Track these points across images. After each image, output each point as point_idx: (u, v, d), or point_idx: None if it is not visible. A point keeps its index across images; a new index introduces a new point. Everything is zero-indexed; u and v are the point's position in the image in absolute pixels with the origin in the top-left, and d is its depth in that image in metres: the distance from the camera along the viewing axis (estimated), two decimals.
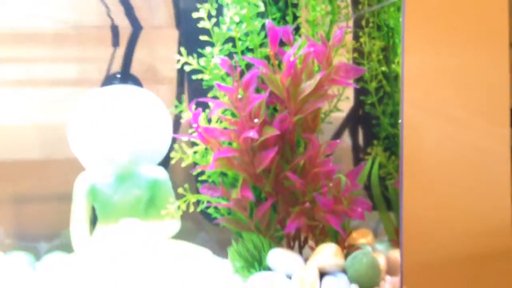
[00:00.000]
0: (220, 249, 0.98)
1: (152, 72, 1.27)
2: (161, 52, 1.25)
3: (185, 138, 0.88)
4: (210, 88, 0.92)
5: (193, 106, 0.86)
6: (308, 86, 0.84)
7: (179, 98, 1.01)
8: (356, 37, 0.98)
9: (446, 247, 0.96)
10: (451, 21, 0.82)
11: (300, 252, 0.92)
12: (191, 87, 1.03)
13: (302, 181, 0.86)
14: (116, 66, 1.11)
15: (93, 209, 0.97)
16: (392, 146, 0.98)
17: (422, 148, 0.83)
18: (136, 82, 1.04)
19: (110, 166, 0.95)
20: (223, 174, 0.92)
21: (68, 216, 0.96)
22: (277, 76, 0.84)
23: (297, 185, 0.86)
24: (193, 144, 0.91)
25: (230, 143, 0.89)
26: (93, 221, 0.98)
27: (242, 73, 0.86)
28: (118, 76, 1.03)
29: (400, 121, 0.97)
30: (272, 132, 0.83)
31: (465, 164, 1.00)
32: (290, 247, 0.91)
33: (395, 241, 0.94)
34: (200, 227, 1.05)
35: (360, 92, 1.02)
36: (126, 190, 0.95)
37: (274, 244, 0.90)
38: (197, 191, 0.91)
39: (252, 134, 0.81)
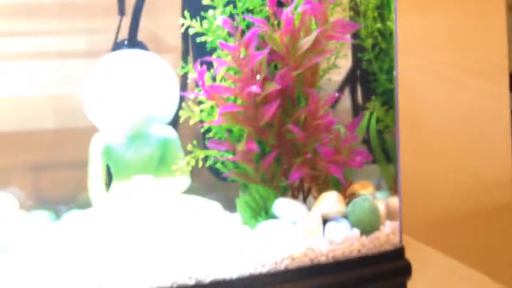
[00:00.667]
0: (229, 205, 1.03)
1: (157, 41, 1.32)
2: (165, 21, 1.30)
3: (191, 96, 0.93)
4: (214, 51, 0.97)
5: (198, 66, 0.91)
6: (306, 42, 0.88)
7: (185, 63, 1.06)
8: None
9: (442, 198, 1.02)
10: None
11: (304, 202, 0.97)
12: (196, 54, 1.07)
13: (304, 133, 0.91)
14: (124, 36, 1.17)
15: (109, 168, 1.03)
16: (389, 101, 1.03)
17: (418, 106, 0.88)
18: (143, 47, 1.09)
19: (123, 126, 1.01)
20: (229, 131, 0.98)
21: (85, 181, 1.02)
22: (276, 34, 0.89)
23: (299, 137, 0.91)
24: (200, 103, 0.97)
25: (234, 100, 0.94)
26: (109, 178, 1.04)
27: (243, 33, 0.90)
28: (126, 42, 1.08)
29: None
30: (273, 87, 0.88)
31: (462, 122, 1.05)
32: (295, 197, 0.97)
33: (394, 189, 1.00)
34: (209, 185, 1.11)
35: (358, 51, 1.06)
36: (138, 149, 1.01)
37: (279, 195, 0.95)
38: (206, 148, 0.97)
39: (254, 88, 0.86)
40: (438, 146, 0.91)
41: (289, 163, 0.94)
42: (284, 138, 0.93)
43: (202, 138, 1.07)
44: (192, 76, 0.94)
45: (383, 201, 0.96)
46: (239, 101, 0.93)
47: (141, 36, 1.22)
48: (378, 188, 1.04)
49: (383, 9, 1.01)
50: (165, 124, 1.04)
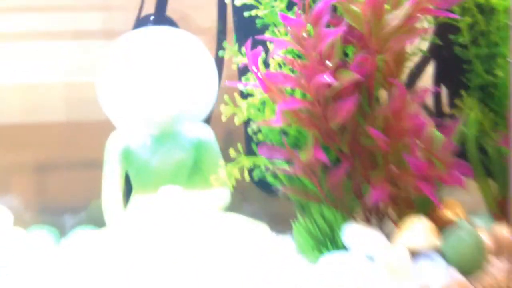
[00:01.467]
0: (276, 224, 0.82)
1: (186, 22, 1.10)
2: None
3: (240, 87, 0.71)
4: (262, 30, 0.75)
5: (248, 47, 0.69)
6: (394, 17, 0.66)
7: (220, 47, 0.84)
8: None
9: None
10: None
11: (379, 228, 0.75)
12: (238, 31, 0.85)
13: (386, 139, 0.69)
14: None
15: (128, 176, 0.82)
16: (487, 98, 0.80)
17: None
18: (173, 25, 0.87)
19: (148, 125, 0.79)
20: (284, 133, 0.76)
21: (98, 185, 0.81)
22: (356, 6, 0.66)
23: (379, 144, 0.69)
24: (245, 96, 0.75)
25: (292, 93, 0.72)
26: (128, 189, 0.83)
27: (309, 6, 0.68)
28: (152, 18, 0.87)
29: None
30: (351, 77, 0.66)
31: None
32: (367, 221, 0.75)
33: (497, 214, 0.77)
34: (249, 197, 0.89)
35: (442, 30, 0.83)
36: (167, 153, 0.79)
37: (348, 218, 0.74)
38: (251, 155, 0.75)
39: (328, 78, 0.64)
40: None
41: (364, 177, 0.72)
42: (359, 145, 0.71)
43: (246, 140, 0.85)
44: (237, 60, 0.73)
45: (485, 231, 0.73)
46: (298, 94, 0.71)
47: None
48: (469, 209, 0.82)
49: None
50: (199, 121, 0.83)
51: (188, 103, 0.79)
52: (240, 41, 0.75)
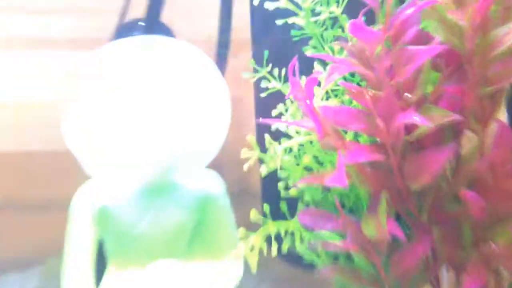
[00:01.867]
0: None
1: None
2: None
3: (280, 126, 0.49)
4: (301, 44, 0.54)
5: (299, 75, 0.47)
6: (508, 34, 0.46)
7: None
8: None
9: None
10: None
11: None
12: (259, 43, 0.64)
13: (483, 204, 0.48)
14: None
15: (101, 245, 0.58)
16: None
17: None
18: (168, 33, 0.64)
19: (134, 173, 0.56)
20: (326, 190, 0.54)
21: (58, 234, 0.58)
22: (455, 14, 0.45)
23: (473, 211, 0.48)
24: (275, 137, 0.53)
25: (356, 137, 0.50)
26: (99, 261, 0.59)
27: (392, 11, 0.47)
28: (141, 24, 0.64)
29: None
30: (445, 116, 0.45)
31: None
32: None
33: None
34: (275, 274, 0.67)
35: None
36: (160, 214, 0.56)
37: None
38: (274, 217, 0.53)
39: (418, 119, 0.43)
40: None
41: (447, 258, 0.51)
42: (441, 213, 0.50)
43: (263, 194, 0.63)
44: (272, 85, 0.51)
45: None
46: (363, 139, 0.50)
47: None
48: None
49: None
50: (204, 165, 0.60)
51: (191, 143, 0.57)
52: (259, 59, 0.54)
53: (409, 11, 0.44)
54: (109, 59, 0.56)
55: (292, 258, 0.59)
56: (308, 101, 0.43)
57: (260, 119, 0.47)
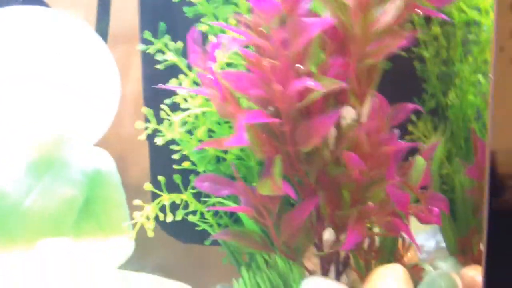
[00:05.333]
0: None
1: None
2: None
3: (182, 92, 0.50)
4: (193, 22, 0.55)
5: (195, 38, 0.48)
6: (384, 13, 0.51)
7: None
8: None
9: None
10: None
11: (338, 279, 0.59)
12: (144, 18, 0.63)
13: (364, 167, 0.53)
14: None
15: None
16: (441, 123, 0.69)
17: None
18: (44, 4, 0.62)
19: (17, 149, 0.53)
20: (218, 160, 0.56)
21: None
22: None
23: (353, 174, 0.53)
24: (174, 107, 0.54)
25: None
26: None
27: None
28: None
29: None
30: (333, 84, 0.49)
31: None
32: (325, 271, 0.58)
33: (460, 256, 0.66)
34: (161, 244, 0.66)
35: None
36: (47, 189, 0.54)
37: (301, 269, 0.56)
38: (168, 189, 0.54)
39: (313, 84, 0.47)
40: None
41: (330, 217, 0.55)
42: (325, 176, 0.55)
43: (152, 168, 0.64)
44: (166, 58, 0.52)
45: (456, 275, 0.62)
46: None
47: None
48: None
49: None
50: (93, 143, 0.59)
51: (75, 117, 0.55)
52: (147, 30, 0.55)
53: None
54: None
55: (182, 234, 0.60)
56: (208, 65, 0.45)
57: (161, 86, 0.47)
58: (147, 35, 0.53)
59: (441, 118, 0.69)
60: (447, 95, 0.69)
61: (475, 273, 0.62)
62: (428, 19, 0.66)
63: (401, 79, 0.72)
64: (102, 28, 0.69)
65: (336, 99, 0.55)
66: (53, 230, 0.53)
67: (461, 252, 0.66)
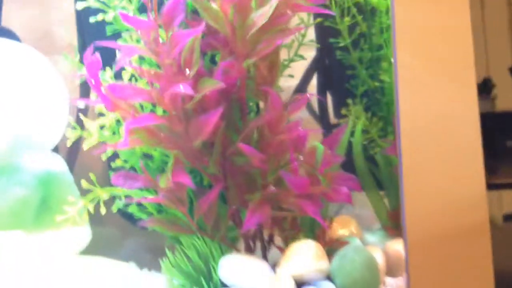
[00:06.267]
0: (156, 260, 0.71)
1: (49, 38, 0.98)
2: (59, 11, 0.96)
3: (81, 105, 0.59)
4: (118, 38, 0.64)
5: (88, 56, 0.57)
6: (261, 15, 0.57)
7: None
8: None
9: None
10: None
11: (265, 256, 0.65)
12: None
13: (262, 156, 0.59)
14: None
15: None
16: (374, 105, 0.74)
17: (420, 116, 0.59)
18: (11, 36, 0.73)
19: None
20: (147, 156, 0.65)
21: None
22: (215, 2, 0.57)
23: (254, 162, 0.59)
24: (100, 115, 0.63)
25: (153, 109, 0.61)
26: None
27: (161, 5, 0.58)
28: None
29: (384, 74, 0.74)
30: (213, 85, 0.56)
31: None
32: (250, 250, 0.65)
33: (391, 229, 0.70)
34: (126, 233, 0.77)
35: (322, 33, 0.76)
36: (2, 190, 0.65)
37: (227, 249, 0.63)
38: (111, 185, 0.63)
39: (183, 88, 0.54)
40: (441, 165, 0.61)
41: (240, 201, 0.62)
42: (232, 165, 0.61)
43: (107, 168, 0.73)
44: (84, 71, 0.61)
45: (379, 249, 0.66)
46: (159, 111, 0.61)
47: (29, 34, 0.88)
48: (363, 226, 0.74)
49: None
50: (47, 149, 0.69)
51: (26, 128, 0.66)
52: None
53: (172, 2, 0.55)
54: None
55: (130, 216, 0.69)
56: (93, 81, 0.53)
57: (72, 101, 0.57)
58: (65, 55, 0.62)
59: (373, 101, 0.73)
60: (375, 79, 0.72)
61: (400, 246, 0.66)
62: (343, 9, 0.70)
63: (331, 69, 0.77)
64: (81, 43, 0.80)
65: (236, 96, 0.61)
66: (11, 225, 0.64)
67: (393, 226, 0.70)
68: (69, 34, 0.91)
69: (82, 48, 0.81)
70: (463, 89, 0.62)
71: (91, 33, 0.69)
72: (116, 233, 0.81)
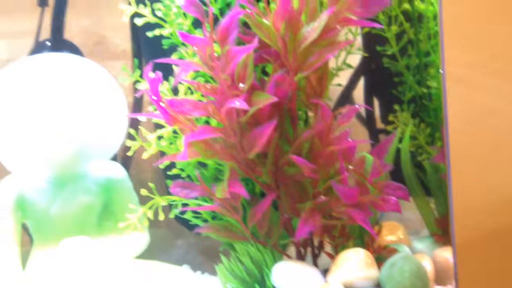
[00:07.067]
0: (208, 262, 0.74)
1: (104, 44, 1.02)
2: (113, 18, 1.00)
3: (143, 119, 0.62)
4: (174, 51, 0.67)
5: (150, 72, 0.60)
6: (311, 30, 0.59)
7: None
8: None
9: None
10: None
11: (315, 263, 0.67)
12: (148, 56, 0.77)
13: (312, 166, 0.61)
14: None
15: (26, 228, 0.71)
16: (421, 111, 0.74)
17: (469, 114, 0.60)
18: (74, 49, 0.77)
19: (44, 165, 0.69)
20: (202, 165, 0.67)
21: None
22: (267, 19, 0.59)
23: (305, 172, 0.61)
24: (158, 127, 0.66)
25: (207, 121, 0.63)
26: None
27: (216, 21, 0.60)
28: (48, 43, 0.77)
29: (431, 81, 0.74)
30: (266, 99, 0.58)
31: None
32: (301, 256, 0.67)
33: (439, 236, 0.71)
34: (177, 234, 0.80)
35: (369, 41, 0.77)
36: (69, 197, 0.69)
37: (279, 255, 0.65)
38: (168, 191, 0.66)
39: (238, 104, 0.56)
40: (495, 168, 0.61)
41: (292, 209, 0.64)
42: (283, 175, 0.63)
43: (163, 176, 0.76)
44: (143, 86, 0.64)
45: (427, 257, 0.67)
46: (214, 123, 0.63)
47: (83, 39, 0.92)
48: (410, 231, 0.75)
49: None
50: (108, 158, 0.73)
51: (90, 139, 0.69)
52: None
53: (227, 20, 0.57)
54: (20, 73, 0.69)
55: (186, 222, 0.72)
56: (154, 97, 0.56)
57: (129, 115, 0.60)
58: (124, 68, 0.65)
59: (420, 107, 0.74)
60: (423, 85, 0.73)
61: (448, 254, 0.66)
62: (390, 17, 0.71)
63: (378, 74, 0.78)
64: (136, 52, 0.84)
65: (287, 107, 0.63)
66: (77, 231, 0.68)
67: (441, 232, 0.71)
68: (122, 41, 0.95)
69: (136, 55, 0.84)
70: None
71: (145, 41, 0.72)
72: (167, 234, 0.84)
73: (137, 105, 0.80)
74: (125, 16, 0.64)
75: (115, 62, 0.95)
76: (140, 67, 0.85)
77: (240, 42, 0.61)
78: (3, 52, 0.97)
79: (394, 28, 0.71)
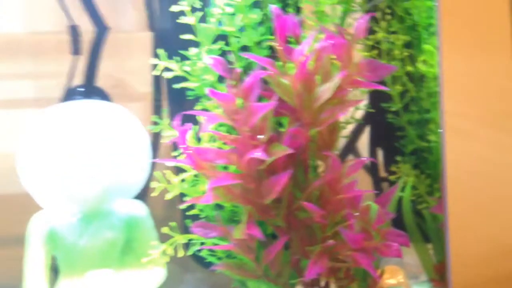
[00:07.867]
0: None
1: (122, 87, 1.09)
2: (132, 62, 1.07)
3: (170, 163, 0.69)
4: (196, 101, 0.73)
5: (179, 122, 0.67)
6: (325, 90, 0.65)
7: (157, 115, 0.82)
8: (370, 31, 0.80)
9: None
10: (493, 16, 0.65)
11: None
12: (171, 101, 0.84)
13: (322, 212, 0.67)
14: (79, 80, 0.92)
15: (54, 260, 0.76)
16: (422, 163, 0.81)
17: (466, 164, 0.66)
18: (103, 96, 0.84)
19: (73, 203, 0.75)
20: (219, 207, 0.73)
21: (22, 266, 0.75)
22: (286, 79, 0.65)
23: (315, 218, 0.67)
24: (178, 170, 0.72)
25: (225, 168, 0.70)
26: (55, 274, 0.77)
27: (239, 78, 0.67)
28: (80, 89, 0.84)
29: (430, 134, 0.81)
30: (283, 151, 0.64)
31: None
32: None
33: (437, 281, 0.76)
34: (186, 269, 0.85)
35: (375, 97, 0.84)
36: (95, 232, 0.75)
37: None
38: (185, 230, 0.72)
39: (259, 154, 0.62)
40: (493, 213, 0.67)
41: (302, 251, 0.69)
42: (295, 219, 0.69)
43: (181, 214, 0.82)
44: (170, 134, 0.70)
45: None
46: (232, 169, 0.69)
47: (105, 82, 0.99)
48: (409, 275, 0.81)
49: (412, 48, 0.80)
50: (131, 197, 0.79)
51: (116, 179, 0.75)
52: (173, 113, 0.73)
53: (251, 79, 0.64)
54: (55, 117, 0.76)
55: (200, 259, 0.77)
56: (183, 145, 0.63)
57: (155, 160, 0.66)
58: (154, 118, 0.72)
59: (421, 159, 0.80)
60: (424, 139, 0.80)
61: None
62: (395, 77, 0.79)
63: (382, 128, 0.85)
64: (156, 96, 0.90)
65: (300, 157, 0.70)
66: (101, 263, 0.74)
67: (439, 278, 0.76)
68: (140, 84, 1.02)
69: (157, 98, 0.91)
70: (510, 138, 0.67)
71: (169, 89, 0.79)
72: (175, 268, 0.89)
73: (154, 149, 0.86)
74: (156, 71, 0.71)
75: (133, 104, 1.02)
76: (157, 111, 0.92)
77: (260, 96, 0.67)
78: (30, 92, 1.04)
79: (398, 87, 0.78)
